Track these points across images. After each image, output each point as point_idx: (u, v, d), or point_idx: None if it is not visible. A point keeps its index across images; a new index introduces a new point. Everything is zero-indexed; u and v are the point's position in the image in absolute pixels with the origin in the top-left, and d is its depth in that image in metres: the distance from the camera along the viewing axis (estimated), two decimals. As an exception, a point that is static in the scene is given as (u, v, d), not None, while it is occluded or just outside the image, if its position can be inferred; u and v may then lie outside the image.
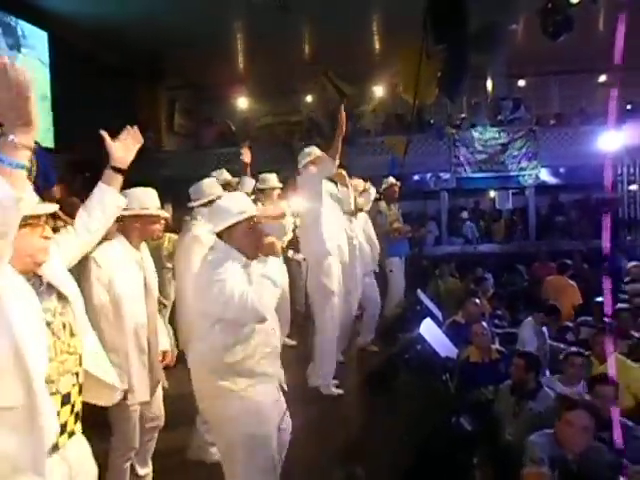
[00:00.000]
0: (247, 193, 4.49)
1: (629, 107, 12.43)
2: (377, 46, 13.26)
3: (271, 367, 2.80)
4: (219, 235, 2.74)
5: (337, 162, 4.74)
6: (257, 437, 2.67)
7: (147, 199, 3.04)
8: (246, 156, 5.47)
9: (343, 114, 4.64)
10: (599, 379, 3.70)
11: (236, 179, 5.35)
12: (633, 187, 11.74)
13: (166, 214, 3.23)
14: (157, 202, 3.10)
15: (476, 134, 12.51)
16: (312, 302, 5.02)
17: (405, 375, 4.67)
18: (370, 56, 13.33)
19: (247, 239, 2.71)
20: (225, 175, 5.19)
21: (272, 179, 5.53)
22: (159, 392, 3.21)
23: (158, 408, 3.21)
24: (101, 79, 11.27)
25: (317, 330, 5.01)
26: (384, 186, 6.50)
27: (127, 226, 2.95)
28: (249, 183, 5.38)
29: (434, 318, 5.29)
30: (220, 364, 2.66)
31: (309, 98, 14.84)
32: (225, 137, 14.69)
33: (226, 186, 4.78)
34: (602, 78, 12.98)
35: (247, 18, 11.43)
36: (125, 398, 2.73)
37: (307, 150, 5.11)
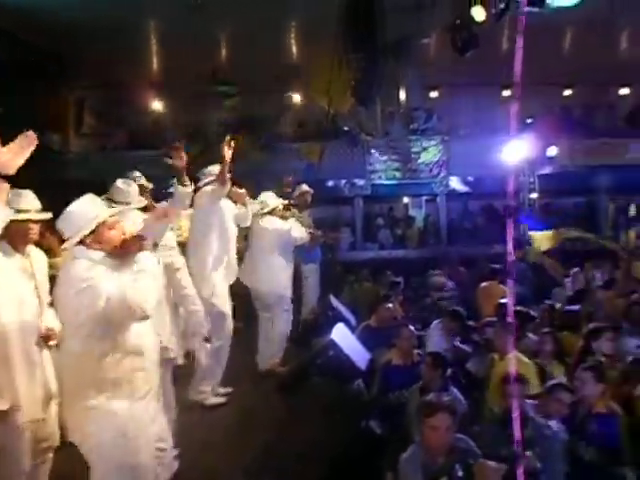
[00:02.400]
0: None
1: (529, 121, 13.19)
2: (293, 51, 13.30)
3: (147, 383, 2.69)
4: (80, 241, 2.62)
5: (227, 187, 4.94)
6: (125, 464, 2.54)
7: (23, 202, 2.86)
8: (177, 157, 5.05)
9: (227, 153, 4.69)
10: (506, 379, 3.85)
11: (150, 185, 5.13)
12: (533, 195, 12.47)
13: (46, 216, 3.02)
14: (36, 204, 2.96)
15: (390, 142, 12.83)
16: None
17: (318, 380, 4.66)
18: (286, 61, 13.35)
19: (108, 241, 2.64)
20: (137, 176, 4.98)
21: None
22: (53, 408, 2.99)
23: (51, 426, 2.99)
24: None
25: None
26: (296, 193, 6.50)
27: (7, 231, 2.71)
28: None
29: (347, 323, 5.33)
30: (86, 377, 2.54)
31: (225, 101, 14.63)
32: (138, 139, 14.19)
33: (142, 190, 4.60)
34: (506, 92, 13.69)
35: (160, 17, 11.12)
36: (11, 415, 2.52)
37: (208, 169, 5.16)
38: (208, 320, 4.90)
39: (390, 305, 5.84)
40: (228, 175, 4.84)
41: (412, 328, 5.06)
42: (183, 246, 5.10)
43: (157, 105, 15.63)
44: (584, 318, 5.62)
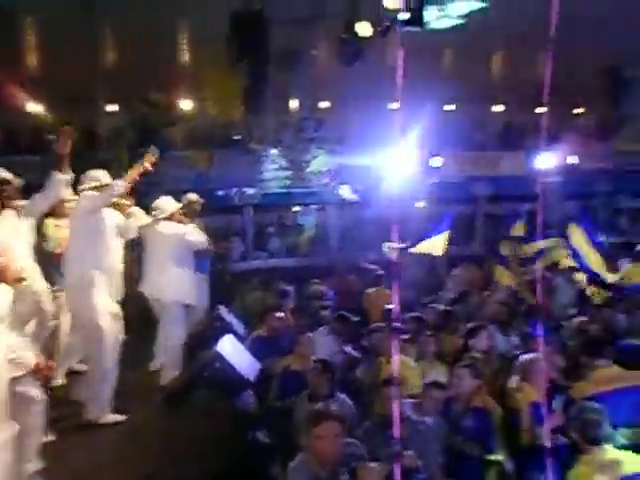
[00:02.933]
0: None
1: (416, 133, 13.83)
2: (184, 59, 13.03)
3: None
4: None
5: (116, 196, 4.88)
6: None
7: None
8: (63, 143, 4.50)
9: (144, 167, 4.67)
10: (386, 381, 3.97)
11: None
12: (420, 204, 13.03)
13: None
14: None
15: (281, 151, 12.91)
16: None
17: (205, 393, 4.56)
18: (176, 68, 13.05)
19: None
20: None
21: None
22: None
23: None
24: None
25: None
26: (184, 202, 6.34)
27: None
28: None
29: (236, 334, 5.26)
30: None
31: (112, 107, 14.04)
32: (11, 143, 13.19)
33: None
34: (393, 105, 14.26)
35: (44, 15, 10.43)
36: None
37: (92, 174, 5.01)
38: (90, 337, 4.70)
39: (280, 314, 5.82)
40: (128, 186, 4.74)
41: (310, 335, 5.13)
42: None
43: (36, 107, 14.61)
44: (464, 319, 5.92)
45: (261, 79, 8.98)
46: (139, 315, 5.94)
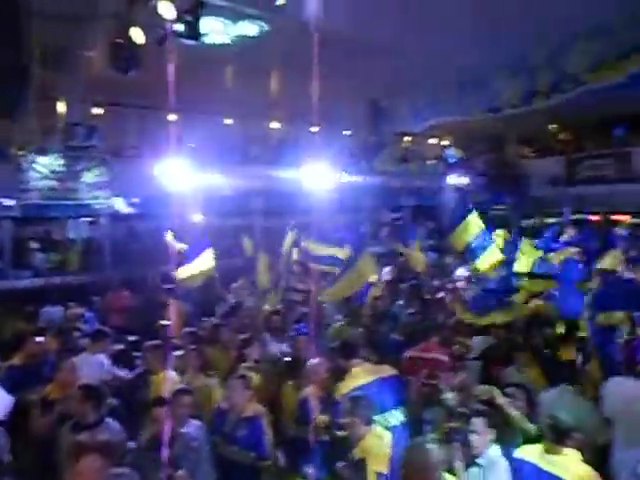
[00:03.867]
0: None
1: (192, 145, 13.73)
2: None
3: None
4: None
5: None
6: None
7: None
8: None
9: None
10: (155, 401, 3.84)
11: None
12: (198, 217, 12.91)
13: None
14: None
15: (47, 159, 11.73)
16: None
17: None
18: None
19: None
20: None
21: None
22: None
23: None
24: None
25: None
26: None
27: None
28: None
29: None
30: None
31: None
32: None
33: None
34: (172, 117, 13.98)
35: None
36: None
37: None
38: None
39: (40, 339, 5.27)
40: None
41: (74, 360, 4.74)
42: None
43: None
44: (236, 330, 6.00)
45: (21, 78, 8.07)
46: None
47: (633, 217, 15.85)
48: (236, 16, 9.66)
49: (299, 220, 9.26)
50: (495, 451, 3.36)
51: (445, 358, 4.82)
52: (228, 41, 11.18)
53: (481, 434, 3.35)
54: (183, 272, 5.36)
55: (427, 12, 9.56)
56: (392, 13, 9.64)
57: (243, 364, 5.12)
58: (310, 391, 4.43)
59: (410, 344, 5.18)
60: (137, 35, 7.63)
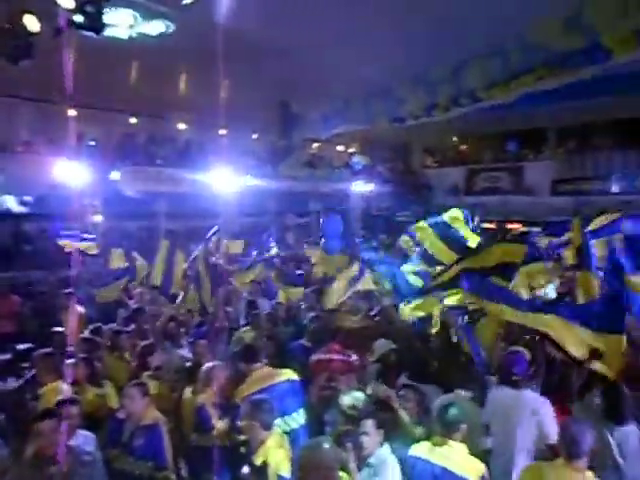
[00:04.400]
0: None
1: (93, 143, 13.12)
2: None
3: None
4: None
5: None
6: None
7: None
8: None
9: None
10: (42, 414, 3.61)
11: None
12: (98, 218, 12.32)
13: None
14: None
15: None
16: None
17: None
18: None
19: None
20: None
21: None
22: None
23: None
24: None
25: None
26: None
27: None
28: None
29: None
30: None
31: None
32: None
33: None
34: (71, 112, 13.23)
35: None
36: None
37: None
38: None
39: None
40: None
41: None
42: None
43: None
44: (137, 336, 5.80)
45: None
46: None
47: (524, 226, 16.99)
48: (141, 12, 9.31)
49: (203, 223, 9.11)
50: (385, 450, 3.46)
51: (346, 361, 4.92)
52: (133, 37, 10.78)
53: (371, 435, 3.43)
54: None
55: (339, 24, 9.76)
56: (305, 19, 9.73)
57: (145, 372, 4.93)
58: (205, 397, 4.37)
59: (315, 348, 5.24)
60: (31, 22, 7.15)
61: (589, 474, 3.12)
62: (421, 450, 3.46)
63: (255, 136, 17.63)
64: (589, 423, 3.33)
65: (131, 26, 10.48)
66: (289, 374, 4.30)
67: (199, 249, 7.29)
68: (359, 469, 3.36)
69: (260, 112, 15.17)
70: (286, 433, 3.76)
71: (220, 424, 4.14)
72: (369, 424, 3.46)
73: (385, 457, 3.42)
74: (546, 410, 3.90)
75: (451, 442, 3.40)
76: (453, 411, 3.47)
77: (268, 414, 3.49)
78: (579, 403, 4.12)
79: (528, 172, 19.46)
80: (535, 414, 3.87)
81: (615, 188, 17.38)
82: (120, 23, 10.19)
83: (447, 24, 9.14)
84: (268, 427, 3.46)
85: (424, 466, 3.37)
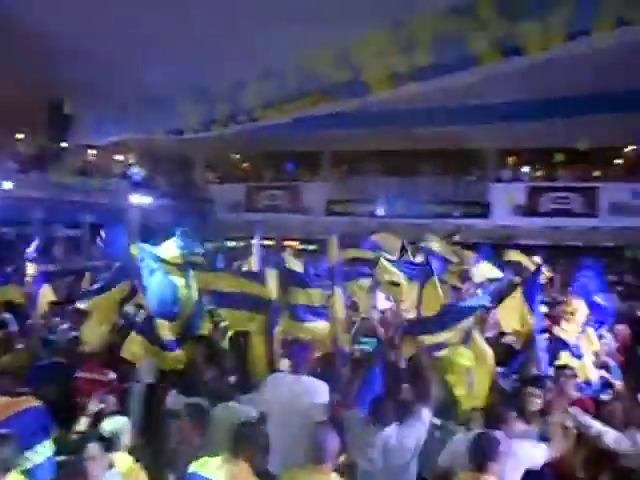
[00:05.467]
0: None
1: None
2: None
3: None
4: None
5: None
6: None
7: None
8: None
9: None
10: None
11: None
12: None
13: None
14: None
15: None
16: None
17: None
18: None
19: None
20: None
21: None
22: None
23: None
24: None
25: None
26: None
27: None
28: None
29: None
30: None
31: None
32: None
33: None
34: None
35: None
36: None
37: None
38: None
39: None
40: None
41: None
42: None
43: None
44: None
45: None
46: None
47: (301, 243, 17.96)
48: None
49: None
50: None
51: (106, 379, 4.61)
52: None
53: (97, 459, 3.19)
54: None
55: (128, 21, 9.37)
56: (92, 10, 9.14)
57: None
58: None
59: (73, 367, 4.82)
60: None
61: (334, 475, 3.21)
62: (201, 466, 3.22)
63: (20, 136, 15.83)
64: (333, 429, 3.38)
65: None
66: (28, 402, 3.72)
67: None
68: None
69: (29, 109, 13.62)
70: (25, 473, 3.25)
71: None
72: (95, 447, 3.17)
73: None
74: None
75: (236, 459, 3.20)
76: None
77: (8, 452, 2.97)
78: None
79: (305, 192, 20.69)
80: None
81: (380, 211, 19.43)
82: None
83: (234, 41, 9.35)
84: (7, 469, 2.94)
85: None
